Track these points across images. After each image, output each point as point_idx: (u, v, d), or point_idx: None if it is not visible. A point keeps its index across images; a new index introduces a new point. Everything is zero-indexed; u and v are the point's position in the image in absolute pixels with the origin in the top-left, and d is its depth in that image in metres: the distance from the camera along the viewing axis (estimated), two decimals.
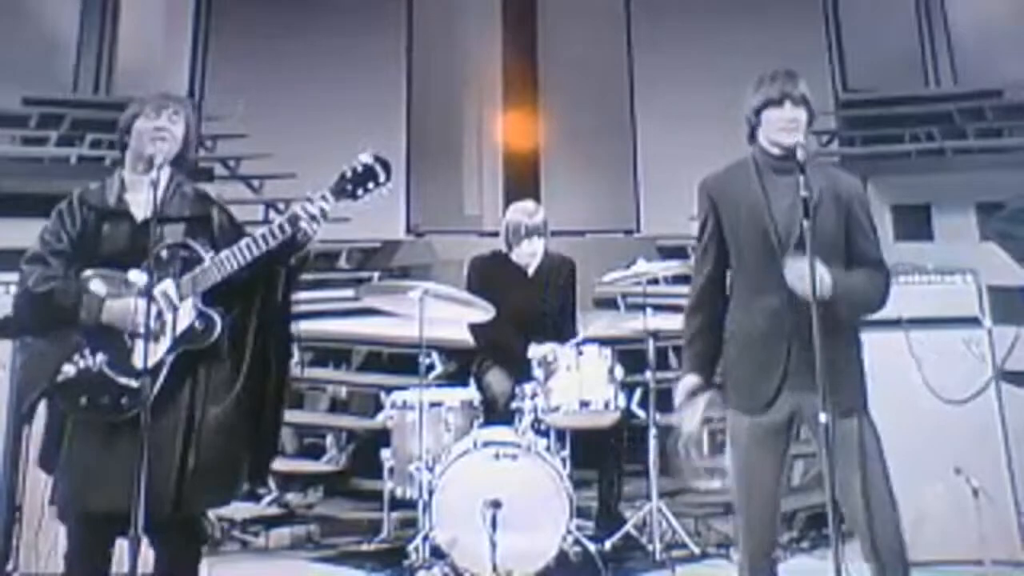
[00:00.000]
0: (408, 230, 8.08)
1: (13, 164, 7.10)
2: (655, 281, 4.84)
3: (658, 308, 4.80)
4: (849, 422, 2.84)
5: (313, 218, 2.98)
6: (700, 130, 7.04)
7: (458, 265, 5.74)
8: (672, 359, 5.52)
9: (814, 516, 4.61)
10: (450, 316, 4.46)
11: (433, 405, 4.33)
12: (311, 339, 6.22)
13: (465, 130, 8.67)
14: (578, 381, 4.22)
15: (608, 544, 4.33)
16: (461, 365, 5.38)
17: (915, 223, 7.18)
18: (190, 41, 7.97)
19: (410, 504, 4.32)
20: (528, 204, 4.75)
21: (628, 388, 4.46)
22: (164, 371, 2.89)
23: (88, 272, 2.95)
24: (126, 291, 2.92)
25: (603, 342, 4.49)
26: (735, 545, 3.07)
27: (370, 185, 3.05)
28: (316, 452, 5.82)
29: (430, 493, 3.99)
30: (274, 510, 5.21)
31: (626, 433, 4.56)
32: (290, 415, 5.73)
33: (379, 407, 5.33)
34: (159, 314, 2.89)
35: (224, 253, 2.96)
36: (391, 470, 4.41)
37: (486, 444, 4.03)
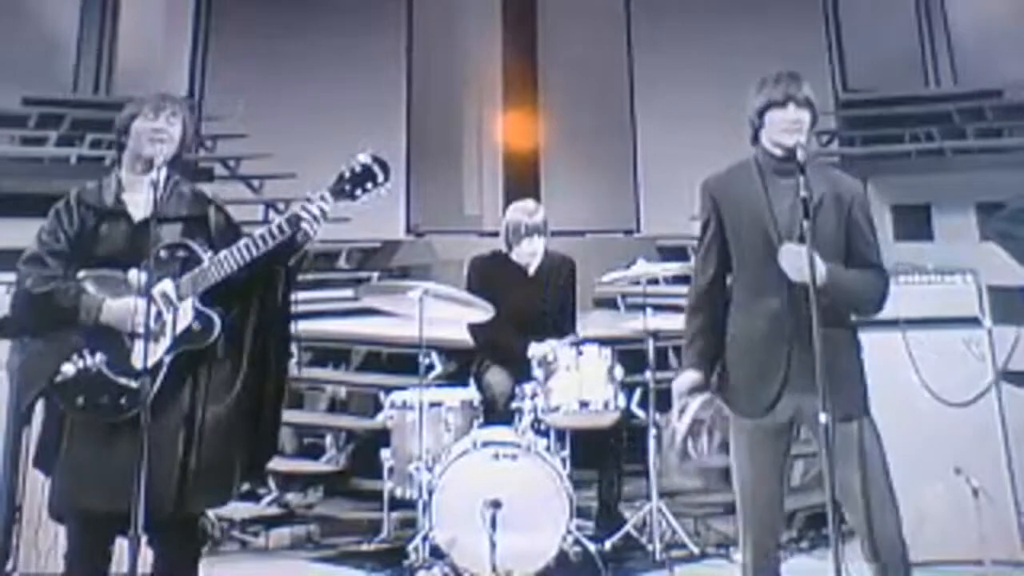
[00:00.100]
0: (408, 230, 8.09)
1: (13, 164, 7.10)
2: (655, 281, 4.84)
3: (658, 308, 4.80)
4: (850, 424, 2.84)
5: (313, 218, 2.98)
6: (700, 130, 7.06)
7: (458, 265, 5.74)
8: (672, 359, 5.52)
9: (814, 516, 4.60)
10: (450, 316, 4.45)
11: (433, 405, 4.32)
12: (311, 339, 6.21)
13: (465, 130, 8.68)
14: (578, 381, 4.21)
15: (608, 544, 4.32)
16: (461, 365, 5.38)
17: (915, 223, 7.18)
18: (190, 41, 7.98)
19: (410, 504, 4.32)
20: (528, 203, 4.75)
21: (628, 388, 4.46)
22: (163, 371, 2.89)
23: (85, 273, 2.95)
24: (125, 291, 2.92)
25: (603, 342, 4.49)
26: (737, 545, 3.06)
27: (368, 185, 3.06)
28: (316, 452, 5.82)
29: (430, 493, 3.99)
30: (274, 510, 5.21)
31: (626, 433, 4.56)
32: (290, 415, 5.74)
33: (379, 407, 5.32)
34: (158, 314, 2.89)
35: (223, 253, 2.96)
36: (391, 470, 4.41)
37: (486, 444, 4.03)
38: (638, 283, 4.78)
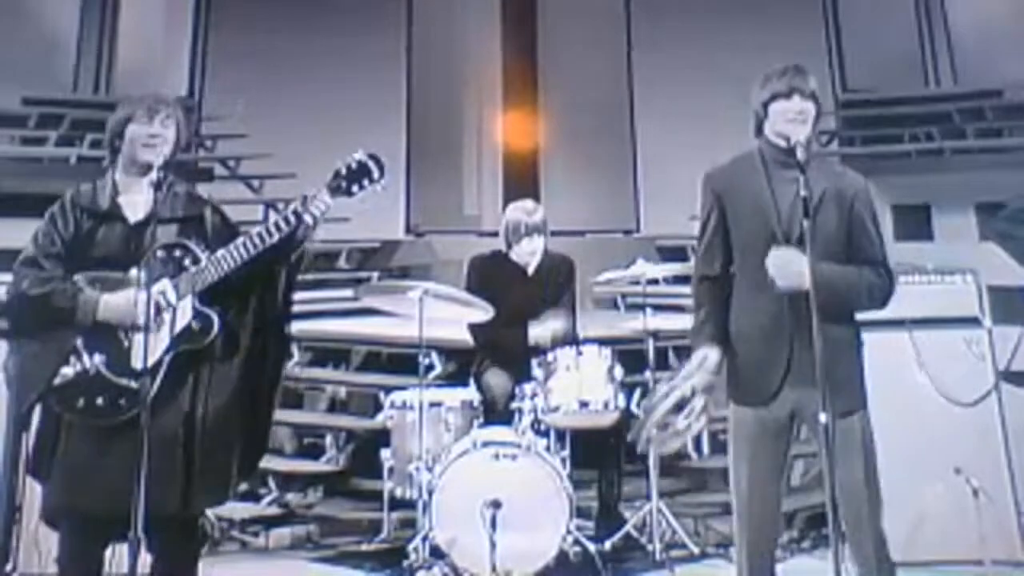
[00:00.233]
0: (408, 230, 8.07)
1: (13, 164, 7.09)
2: (655, 281, 4.83)
3: (658, 308, 4.80)
4: (846, 421, 2.84)
5: (312, 215, 2.99)
6: (700, 130, 7.05)
7: (458, 265, 5.74)
8: (672, 359, 5.52)
9: (814, 516, 4.61)
10: (450, 316, 4.45)
11: (433, 405, 4.33)
12: (310, 339, 6.22)
13: (465, 130, 8.67)
14: (578, 381, 4.21)
15: (608, 544, 4.32)
16: (461, 365, 5.38)
17: (915, 223, 7.17)
18: (190, 41, 7.97)
19: (410, 504, 4.32)
20: (528, 203, 4.75)
21: (628, 388, 4.46)
22: (162, 371, 2.89)
23: (81, 276, 2.94)
24: (123, 289, 2.91)
25: (603, 342, 4.49)
26: (734, 544, 3.06)
27: (365, 182, 3.07)
28: (316, 452, 5.82)
29: (430, 493, 3.99)
30: (274, 510, 5.21)
31: (626, 433, 4.55)
32: (290, 415, 5.76)
33: (378, 407, 5.32)
34: (157, 312, 2.89)
35: (221, 252, 2.96)
36: (391, 470, 4.41)
37: (486, 444, 4.03)
38: (638, 283, 4.78)
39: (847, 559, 2.78)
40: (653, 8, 8.15)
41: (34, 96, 7.31)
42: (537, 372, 4.28)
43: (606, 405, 4.22)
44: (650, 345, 4.63)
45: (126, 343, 2.91)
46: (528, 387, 4.30)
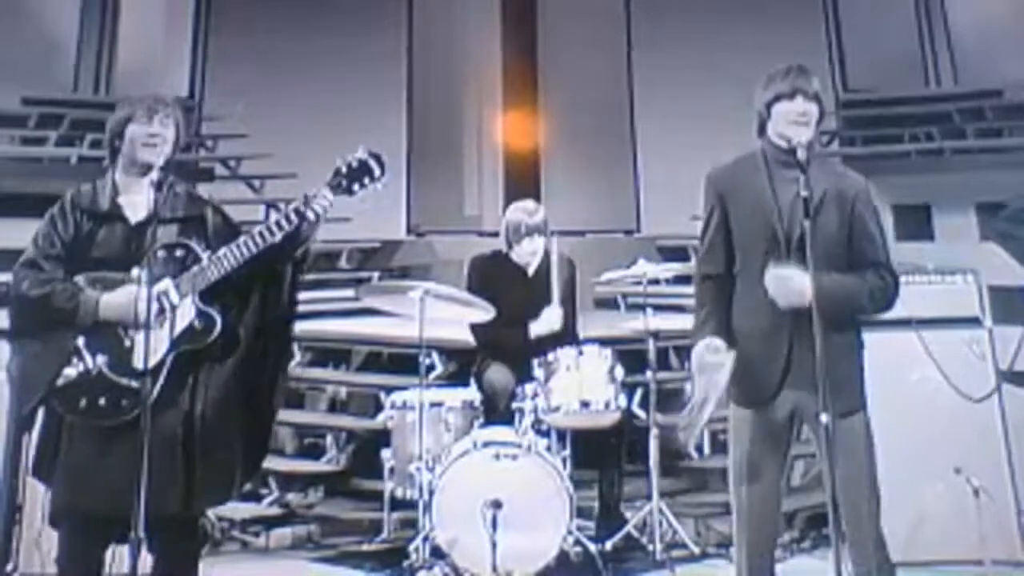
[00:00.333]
0: (408, 230, 8.07)
1: (13, 164, 7.09)
2: (656, 281, 4.84)
3: (658, 308, 4.80)
4: (846, 422, 2.84)
5: (314, 213, 2.98)
6: (700, 130, 7.05)
7: (458, 265, 5.73)
8: (672, 359, 5.52)
9: (815, 516, 4.61)
10: (450, 316, 4.45)
11: (433, 405, 4.33)
12: (311, 339, 6.22)
13: (465, 130, 8.66)
14: (578, 381, 4.21)
15: (609, 544, 4.33)
16: (461, 365, 5.38)
17: (915, 223, 7.17)
18: (190, 41, 7.96)
19: (410, 504, 4.32)
20: (528, 203, 4.75)
21: (628, 388, 4.46)
22: (164, 371, 2.89)
23: (82, 276, 2.94)
24: (122, 290, 2.92)
25: (603, 342, 4.49)
26: (734, 544, 3.06)
27: (365, 180, 3.07)
28: (316, 452, 5.82)
29: (430, 493, 3.99)
30: (274, 510, 5.22)
31: (626, 433, 4.56)
32: (290, 415, 5.76)
33: (379, 407, 5.33)
34: (159, 311, 2.89)
35: (223, 250, 2.96)
36: (391, 470, 4.41)
37: (486, 444, 4.03)
38: (639, 283, 4.78)
39: (847, 559, 2.78)
40: (653, 8, 8.15)
41: (34, 96, 7.30)
42: (538, 372, 4.28)
43: (607, 405, 4.22)
44: (651, 345, 4.63)
45: (128, 343, 2.91)
46: (529, 387, 4.30)
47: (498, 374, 4.52)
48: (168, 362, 2.90)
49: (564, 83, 8.43)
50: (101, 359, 2.89)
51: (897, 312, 3.10)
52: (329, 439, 5.81)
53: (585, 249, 6.43)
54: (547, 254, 4.69)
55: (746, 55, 6.51)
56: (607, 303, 7.37)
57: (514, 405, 4.34)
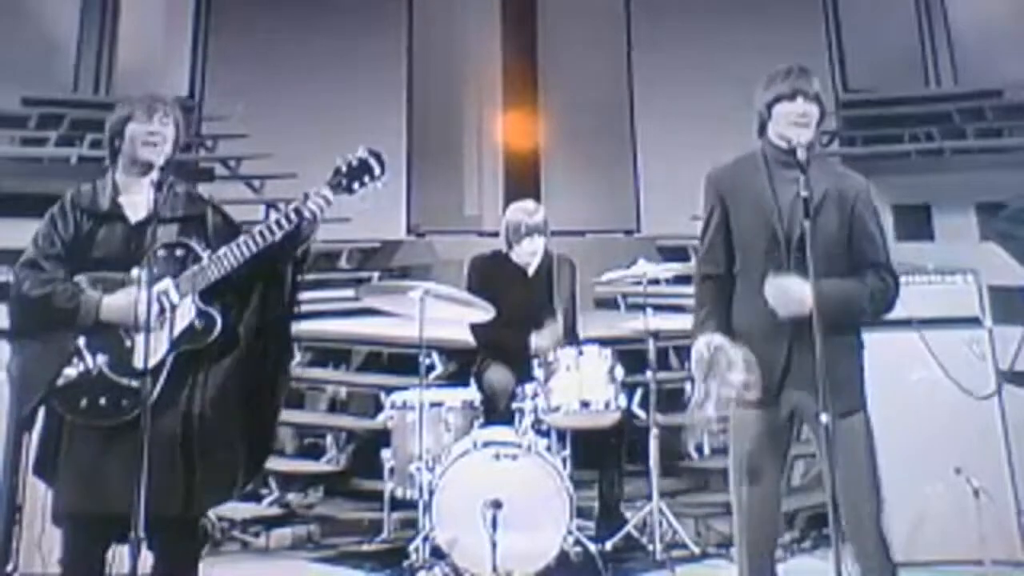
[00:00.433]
0: (408, 230, 8.07)
1: (13, 164, 7.09)
2: (656, 281, 4.84)
3: (659, 308, 4.80)
4: (846, 422, 2.84)
5: (314, 211, 2.98)
6: (700, 130, 7.05)
7: (458, 265, 5.73)
8: (672, 359, 5.52)
9: (816, 516, 4.61)
10: (450, 316, 4.45)
11: (433, 405, 4.33)
12: (311, 339, 6.22)
13: (465, 130, 8.66)
14: (578, 381, 4.21)
15: (609, 544, 4.33)
16: (461, 365, 5.38)
17: (915, 223, 7.17)
18: (190, 41, 7.96)
19: (410, 504, 4.32)
20: (528, 203, 4.75)
21: (628, 388, 4.46)
22: (165, 371, 2.89)
23: (82, 276, 2.94)
24: (123, 290, 2.91)
25: (603, 342, 4.49)
26: (735, 544, 3.06)
27: (365, 179, 3.07)
28: (316, 452, 5.82)
29: (430, 493, 3.99)
30: (274, 510, 5.22)
31: (627, 433, 4.56)
32: (290, 415, 5.75)
33: (379, 407, 5.32)
34: (160, 311, 2.89)
35: (223, 250, 2.96)
36: (391, 470, 4.41)
37: (486, 444, 4.03)
38: (639, 283, 4.78)
39: (848, 559, 2.78)
40: (653, 8, 8.15)
41: (34, 96, 7.30)
42: (538, 372, 4.28)
43: (607, 405, 4.22)
44: (651, 345, 4.63)
45: (128, 343, 2.91)
46: (529, 387, 4.30)
47: (498, 374, 4.53)
48: (168, 362, 2.90)
49: (564, 83, 8.42)
50: (101, 359, 2.89)
51: (897, 312, 3.10)
52: (329, 439, 5.81)
53: (585, 249, 6.43)
54: (547, 254, 4.70)
55: (746, 55, 6.51)
56: (607, 303, 7.37)
57: (514, 405, 4.34)
